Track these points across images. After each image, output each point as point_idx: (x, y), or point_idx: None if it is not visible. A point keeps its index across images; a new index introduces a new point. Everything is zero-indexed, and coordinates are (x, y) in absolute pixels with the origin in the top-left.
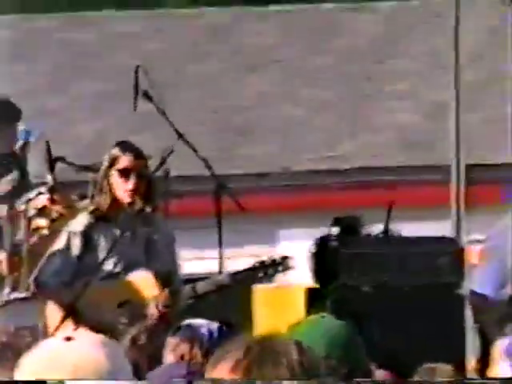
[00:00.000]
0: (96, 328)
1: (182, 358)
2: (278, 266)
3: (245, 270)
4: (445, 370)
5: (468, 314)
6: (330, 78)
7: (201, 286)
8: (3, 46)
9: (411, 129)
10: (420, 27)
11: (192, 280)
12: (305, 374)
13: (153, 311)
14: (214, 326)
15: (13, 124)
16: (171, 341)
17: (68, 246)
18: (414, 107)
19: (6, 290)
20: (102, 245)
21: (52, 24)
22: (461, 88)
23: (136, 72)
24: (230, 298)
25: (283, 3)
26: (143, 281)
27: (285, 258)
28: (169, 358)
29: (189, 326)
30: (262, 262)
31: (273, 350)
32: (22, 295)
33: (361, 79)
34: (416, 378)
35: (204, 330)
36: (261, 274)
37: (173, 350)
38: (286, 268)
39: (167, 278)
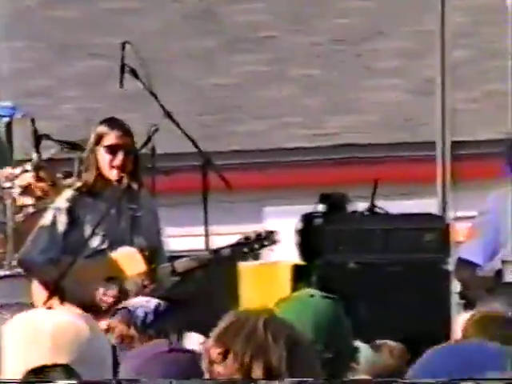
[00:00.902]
0: (81, 306)
1: (121, 338)
2: (263, 240)
3: (229, 246)
4: (393, 347)
5: (454, 289)
6: (319, 56)
7: (180, 264)
8: None
9: (398, 106)
10: (407, 6)
11: (178, 257)
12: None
13: (138, 287)
14: (151, 305)
15: None
16: (110, 323)
17: (54, 223)
18: (402, 85)
19: None
20: (88, 221)
21: (36, 1)
22: (448, 66)
23: (122, 48)
24: (217, 276)
25: None
26: (128, 257)
27: (270, 233)
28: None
29: (125, 308)
30: (247, 238)
31: (245, 325)
32: (7, 273)
33: (350, 57)
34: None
35: (139, 312)
36: (246, 250)
37: (112, 332)
38: (272, 242)
39: (152, 254)
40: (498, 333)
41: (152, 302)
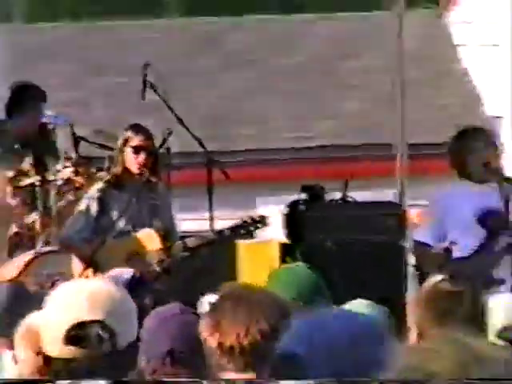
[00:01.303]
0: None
1: None
2: (257, 223)
3: (229, 228)
4: None
5: (410, 263)
6: (299, 73)
7: (191, 241)
8: (34, 48)
9: (366, 114)
10: (372, 33)
11: (187, 236)
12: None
13: (156, 261)
14: (125, 277)
15: (38, 104)
16: None
17: (88, 209)
18: (368, 97)
19: (40, 244)
20: (115, 208)
21: (74, 31)
22: (405, 82)
23: (145, 68)
24: (219, 253)
25: (258, 14)
26: (148, 237)
27: (262, 217)
28: None
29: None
30: (244, 221)
31: (237, 296)
32: (53, 248)
33: (324, 74)
34: None
35: (117, 280)
36: (243, 231)
37: None
38: (264, 225)
39: (167, 234)
40: (443, 305)
41: (126, 274)
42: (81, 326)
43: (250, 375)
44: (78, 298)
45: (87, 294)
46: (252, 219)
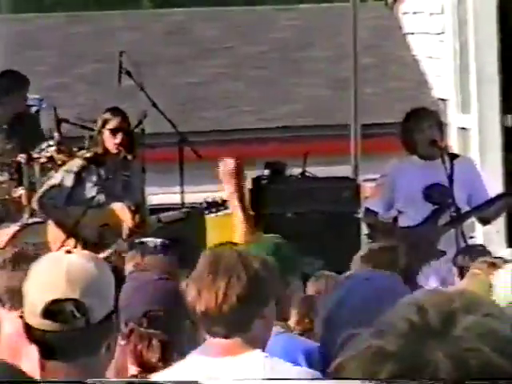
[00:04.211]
0: (85, 242)
1: (136, 266)
2: (219, 206)
3: (195, 208)
4: (328, 275)
5: (362, 231)
6: (264, 61)
7: (164, 217)
8: (20, 37)
9: (322, 98)
10: (330, 24)
11: (161, 209)
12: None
13: (126, 232)
14: (158, 241)
15: (22, 89)
16: (129, 254)
17: (61, 182)
18: (325, 83)
19: (25, 215)
20: (92, 182)
21: (55, 21)
22: (358, 69)
23: (120, 56)
24: (190, 225)
25: (228, 5)
26: (119, 211)
27: (224, 201)
28: (127, 267)
29: (141, 242)
30: (208, 203)
31: (221, 259)
32: (38, 219)
33: (286, 62)
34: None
35: (151, 244)
36: (207, 212)
37: (131, 261)
38: (225, 208)
39: (137, 208)
40: (381, 260)
41: (157, 240)
42: (57, 302)
43: (235, 340)
44: (56, 274)
45: (64, 272)
46: (215, 202)
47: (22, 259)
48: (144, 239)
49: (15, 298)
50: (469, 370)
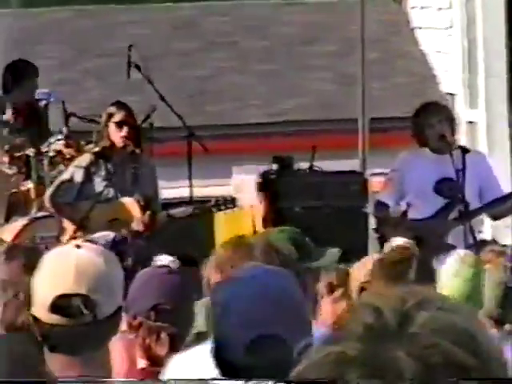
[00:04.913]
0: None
1: None
2: (228, 203)
3: (204, 205)
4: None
5: (371, 226)
6: (272, 55)
7: (174, 213)
8: (29, 32)
9: (330, 93)
10: (336, 19)
11: (170, 204)
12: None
13: (136, 227)
14: (110, 237)
15: (32, 78)
16: None
17: (72, 177)
18: (333, 77)
19: (34, 210)
20: (100, 176)
21: (64, 15)
22: (366, 63)
23: (129, 50)
24: (198, 221)
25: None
26: (129, 205)
27: (233, 199)
28: None
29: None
30: (217, 200)
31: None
32: (46, 213)
33: (294, 56)
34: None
35: (101, 241)
36: (215, 210)
37: None
38: (234, 205)
39: (147, 202)
40: (393, 274)
41: (111, 235)
42: (65, 296)
43: None
44: (65, 269)
45: (73, 266)
46: (224, 199)
47: (17, 251)
48: (94, 235)
49: (8, 290)
50: (433, 367)
